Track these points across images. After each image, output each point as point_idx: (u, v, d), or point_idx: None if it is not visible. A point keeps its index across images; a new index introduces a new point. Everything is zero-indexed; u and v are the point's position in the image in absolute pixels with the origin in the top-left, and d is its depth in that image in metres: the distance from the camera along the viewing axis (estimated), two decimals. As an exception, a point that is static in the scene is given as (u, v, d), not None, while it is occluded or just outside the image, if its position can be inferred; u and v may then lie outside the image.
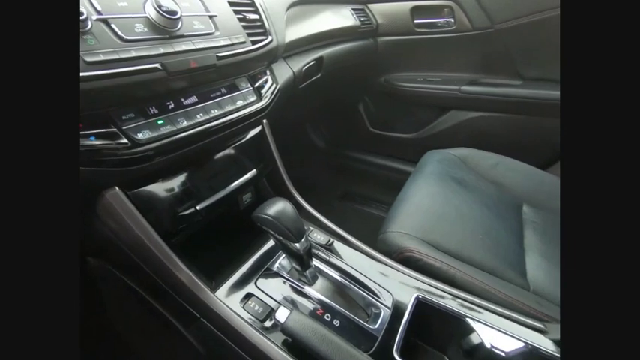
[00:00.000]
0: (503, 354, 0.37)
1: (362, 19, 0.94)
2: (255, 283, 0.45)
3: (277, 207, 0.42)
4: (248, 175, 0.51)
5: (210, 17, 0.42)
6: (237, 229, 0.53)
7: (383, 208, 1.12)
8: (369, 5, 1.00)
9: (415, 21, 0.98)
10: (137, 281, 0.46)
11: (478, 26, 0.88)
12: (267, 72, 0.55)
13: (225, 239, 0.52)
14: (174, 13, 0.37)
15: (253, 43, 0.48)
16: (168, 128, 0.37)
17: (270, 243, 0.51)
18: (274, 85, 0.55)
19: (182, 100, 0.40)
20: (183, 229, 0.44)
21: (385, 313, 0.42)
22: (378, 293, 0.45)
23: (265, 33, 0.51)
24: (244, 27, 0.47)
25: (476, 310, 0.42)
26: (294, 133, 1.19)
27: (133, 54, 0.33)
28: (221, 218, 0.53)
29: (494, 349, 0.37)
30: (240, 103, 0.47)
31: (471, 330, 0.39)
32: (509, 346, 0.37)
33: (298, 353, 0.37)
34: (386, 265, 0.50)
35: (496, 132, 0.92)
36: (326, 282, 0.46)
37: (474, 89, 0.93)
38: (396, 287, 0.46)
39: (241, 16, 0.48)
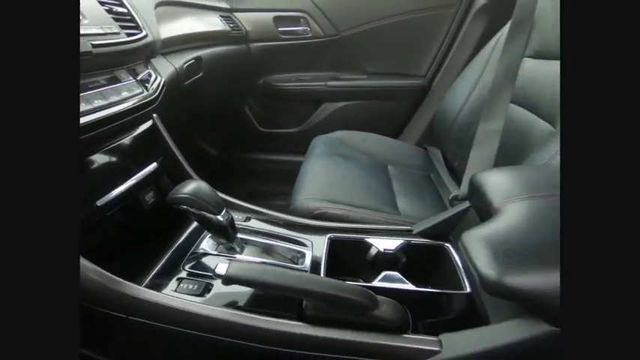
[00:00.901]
0: (391, 251, 0.51)
1: (231, 25, 1.01)
2: (184, 268, 0.45)
3: (192, 185, 0.43)
4: (150, 168, 0.50)
5: (74, 5, 0.40)
6: (147, 231, 0.50)
7: (286, 198, 1.21)
8: (235, 14, 1.08)
9: (279, 29, 1.12)
10: None
11: (328, 33, 1.10)
12: (149, 66, 0.54)
13: (137, 245, 0.48)
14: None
15: (128, 35, 0.47)
16: (46, 118, 0.33)
17: (189, 232, 0.51)
18: (159, 79, 0.54)
19: (55, 90, 0.36)
20: (83, 230, 0.39)
21: (308, 255, 0.51)
22: (300, 242, 0.53)
23: (138, 27, 0.51)
24: (115, 19, 0.46)
25: (370, 234, 0.56)
26: (184, 145, 1.14)
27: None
28: (127, 226, 0.48)
29: (386, 251, 0.51)
30: (125, 94, 0.45)
31: (370, 246, 0.53)
32: (394, 245, 0.52)
33: (243, 308, 0.40)
34: (301, 224, 0.58)
35: (358, 115, 1.17)
36: (253, 248, 0.51)
37: (337, 84, 1.16)
38: (313, 236, 0.55)
39: (107, 8, 0.46)
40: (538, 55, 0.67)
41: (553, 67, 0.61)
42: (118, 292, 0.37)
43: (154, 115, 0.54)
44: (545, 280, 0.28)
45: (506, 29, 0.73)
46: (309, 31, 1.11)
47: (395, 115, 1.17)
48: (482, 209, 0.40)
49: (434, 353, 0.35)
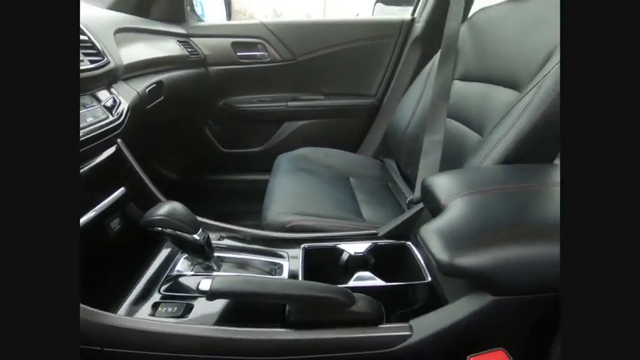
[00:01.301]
0: (361, 254, 0.56)
1: (189, 50, 1.02)
2: (160, 292, 0.44)
3: (166, 207, 0.44)
4: (117, 194, 0.49)
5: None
6: (116, 259, 0.48)
7: (256, 217, 1.21)
8: (192, 39, 1.10)
9: (237, 54, 1.17)
10: None
11: (285, 58, 1.18)
12: (112, 92, 0.54)
13: (107, 273, 0.46)
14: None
15: (91, 62, 0.47)
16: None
17: (161, 256, 0.50)
18: (124, 104, 0.54)
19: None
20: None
21: (285, 266, 0.53)
22: (277, 254, 0.55)
23: (100, 54, 0.51)
24: (76, 47, 0.46)
25: (341, 240, 0.60)
26: (148, 169, 1.10)
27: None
28: (94, 255, 0.46)
29: (357, 254, 0.56)
30: (90, 120, 0.45)
31: (342, 251, 0.57)
32: (363, 248, 0.57)
33: (227, 324, 0.41)
34: (275, 238, 0.61)
35: (319, 132, 1.24)
36: (231, 264, 0.52)
37: (297, 104, 1.22)
38: (288, 248, 0.58)
39: (68, 37, 0.46)
40: (463, 78, 0.80)
41: (476, 88, 0.75)
42: (90, 322, 0.36)
43: (119, 140, 0.53)
44: (484, 258, 0.35)
45: (437, 57, 0.87)
46: (267, 55, 1.17)
47: (352, 131, 1.27)
48: (433, 208, 0.47)
49: (406, 337, 0.40)
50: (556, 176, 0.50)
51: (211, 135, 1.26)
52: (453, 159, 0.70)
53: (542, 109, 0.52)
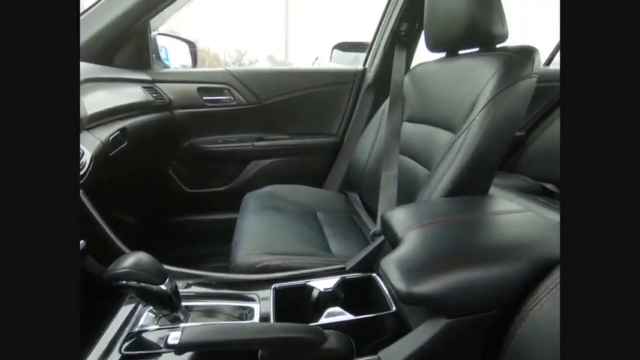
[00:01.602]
0: (331, 289, 0.58)
1: (154, 95, 1.04)
2: (122, 351, 0.42)
3: (131, 258, 0.43)
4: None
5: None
6: None
7: (224, 259, 1.18)
8: (158, 84, 1.12)
9: (204, 98, 1.21)
10: None
11: (250, 102, 1.24)
12: (74, 144, 0.54)
13: None
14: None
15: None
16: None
17: (124, 312, 0.48)
18: (87, 154, 0.54)
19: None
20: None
21: (257, 309, 0.53)
22: (247, 297, 0.55)
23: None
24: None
25: (311, 277, 0.62)
26: (110, 217, 1.04)
27: None
28: None
29: (326, 290, 0.58)
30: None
31: (312, 289, 0.59)
32: (332, 283, 0.59)
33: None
34: (245, 280, 0.61)
35: (285, 170, 1.29)
36: (199, 313, 0.50)
37: (263, 143, 1.27)
38: (259, 289, 0.58)
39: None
40: (411, 120, 0.92)
41: (422, 129, 0.86)
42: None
43: (80, 190, 0.52)
44: (434, 284, 0.40)
45: (387, 102, 0.99)
46: (232, 99, 1.23)
47: (317, 168, 1.33)
48: (392, 240, 0.52)
49: None
50: (490, 207, 0.58)
51: (175, 176, 1.24)
52: (408, 191, 0.77)
53: (473, 148, 0.63)
